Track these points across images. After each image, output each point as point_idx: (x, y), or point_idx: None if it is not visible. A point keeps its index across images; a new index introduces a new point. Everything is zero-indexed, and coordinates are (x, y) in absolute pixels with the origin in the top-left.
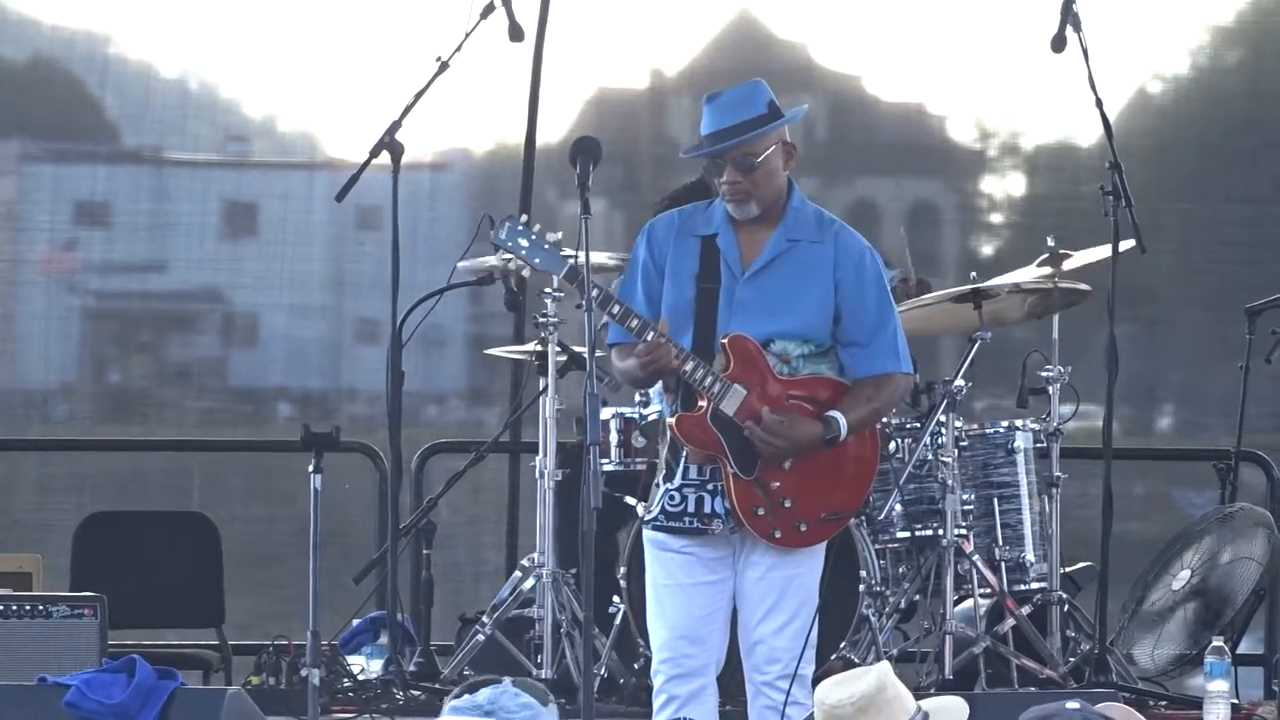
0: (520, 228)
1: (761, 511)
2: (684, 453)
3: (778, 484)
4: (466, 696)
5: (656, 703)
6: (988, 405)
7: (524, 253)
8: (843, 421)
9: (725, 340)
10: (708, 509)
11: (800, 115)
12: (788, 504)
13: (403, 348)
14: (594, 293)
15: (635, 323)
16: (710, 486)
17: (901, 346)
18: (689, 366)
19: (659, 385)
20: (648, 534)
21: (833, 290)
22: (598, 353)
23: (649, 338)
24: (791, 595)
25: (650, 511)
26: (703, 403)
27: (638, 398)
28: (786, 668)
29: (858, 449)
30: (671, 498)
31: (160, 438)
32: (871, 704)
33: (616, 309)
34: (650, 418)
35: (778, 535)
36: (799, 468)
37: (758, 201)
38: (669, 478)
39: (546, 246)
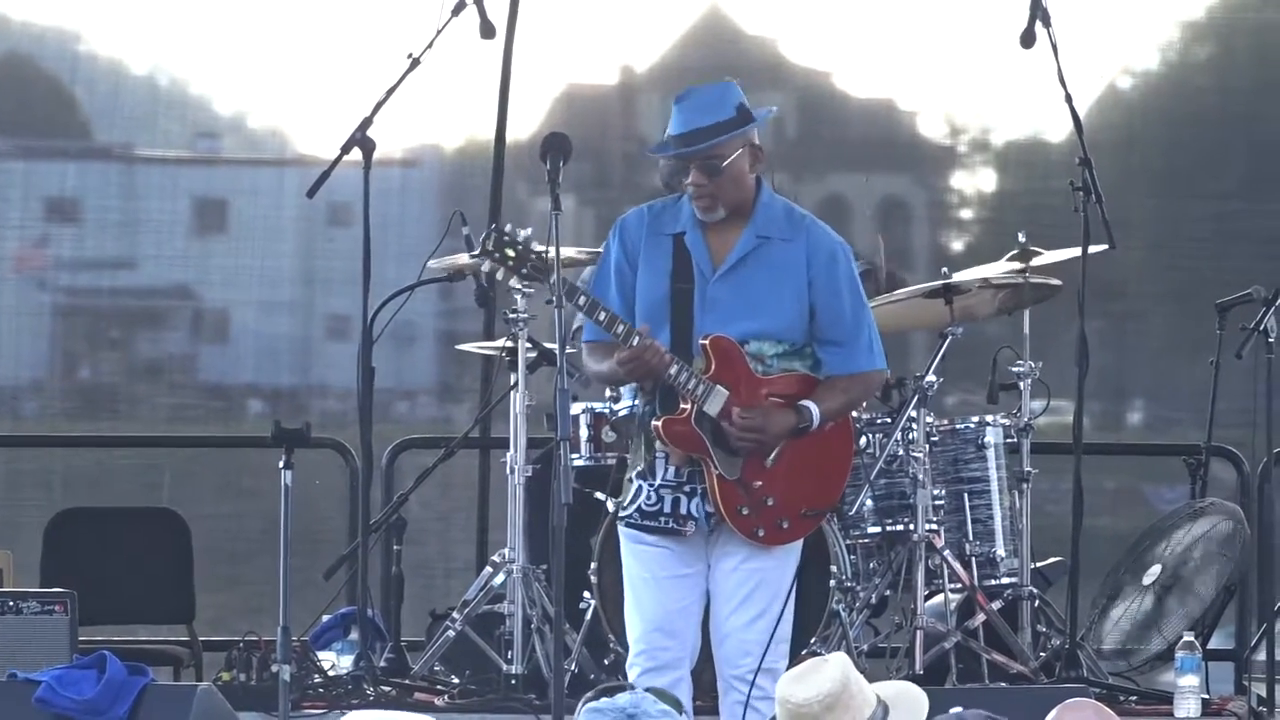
0: (508, 239)
1: (746, 511)
2: (660, 454)
3: (760, 483)
4: (605, 700)
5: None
6: (959, 400)
7: (510, 262)
8: (815, 410)
9: (706, 341)
10: (683, 510)
11: (768, 117)
12: (770, 502)
13: (373, 344)
14: (562, 286)
15: (603, 315)
16: (687, 488)
17: (876, 343)
18: (673, 370)
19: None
20: (622, 529)
21: (806, 288)
22: (568, 349)
23: (633, 341)
24: (764, 588)
25: (625, 508)
26: (685, 405)
27: (608, 393)
28: (758, 660)
29: (834, 445)
30: (649, 497)
31: (130, 434)
32: (838, 702)
33: (582, 300)
34: (621, 413)
35: (761, 534)
36: (780, 466)
37: (724, 204)
38: (645, 476)
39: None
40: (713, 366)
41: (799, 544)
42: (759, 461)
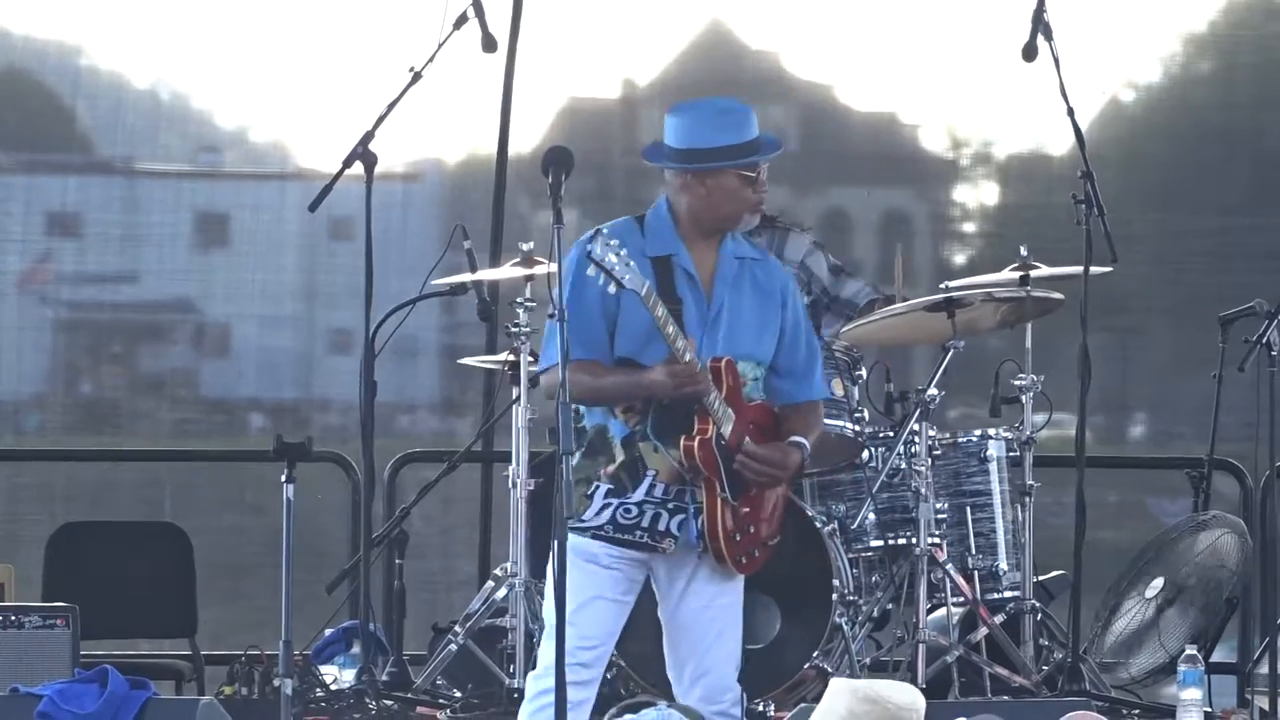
0: (611, 243)
1: (739, 537)
2: (649, 472)
3: (747, 510)
4: (629, 716)
5: (534, 703)
6: (961, 414)
7: (614, 268)
8: (808, 448)
9: (720, 363)
10: (662, 527)
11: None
12: (752, 530)
13: (375, 358)
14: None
15: (672, 329)
16: (671, 506)
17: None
18: (708, 379)
19: None
20: (578, 540)
21: (780, 311)
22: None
23: (686, 358)
24: (735, 621)
25: (584, 520)
26: (704, 425)
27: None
28: (734, 692)
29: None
30: (627, 511)
31: (132, 448)
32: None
33: (672, 329)
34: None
35: (743, 561)
36: (755, 494)
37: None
38: (620, 494)
39: (631, 264)
40: (725, 388)
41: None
42: (748, 489)
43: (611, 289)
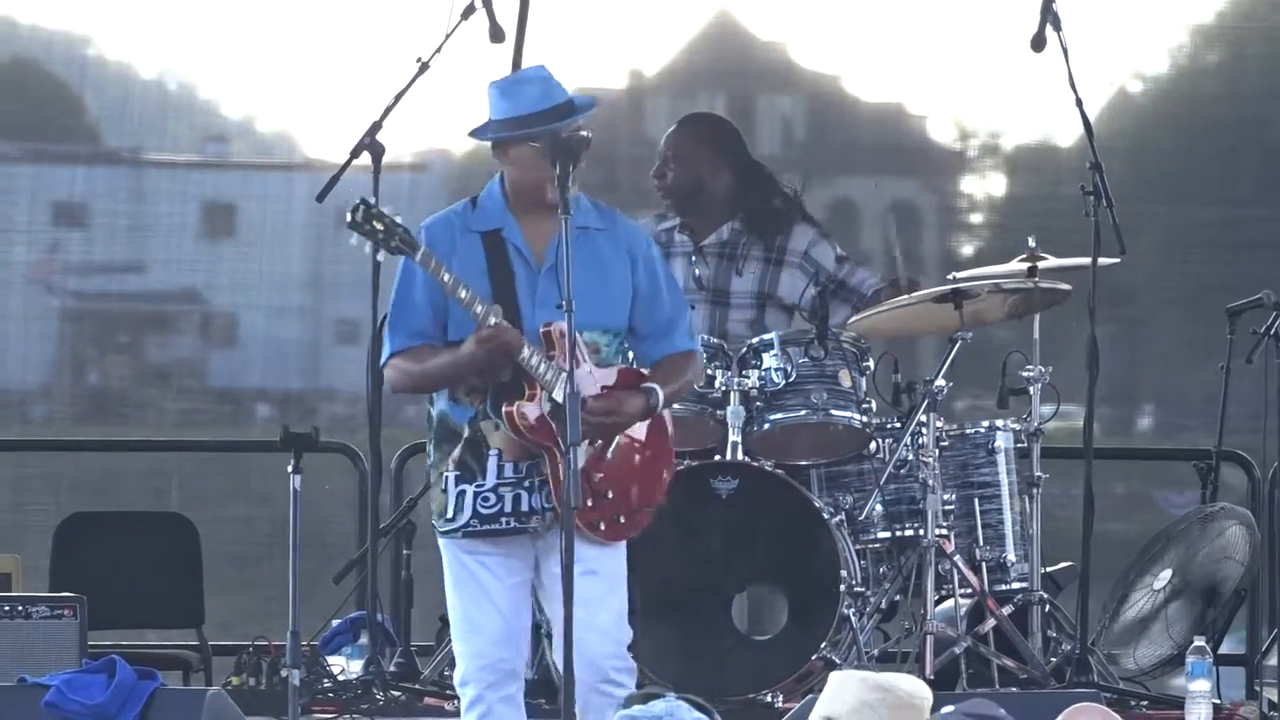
0: (375, 211)
1: (589, 502)
2: (492, 451)
3: (600, 475)
4: (638, 706)
5: (470, 714)
6: (968, 405)
7: (380, 238)
8: (659, 391)
9: (549, 328)
10: (525, 506)
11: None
12: (610, 495)
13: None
14: (457, 289)
15: (464, 293)
16: (528, 483)
17: (692, 329)
18: (525, 352)
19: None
20: (451, 542)
21: (630, 276)
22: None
23: (490, 320)
24: (615, 587)
25: (452, 520)
26: (532, 391)
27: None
28: (623, 660)
29: (663, 438)
30: (485, 500)
31: (139, 438)
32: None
33: (447, 277)
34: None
35: (602, 527)
36: (616, 459)
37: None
38: (469, 479)
39: (402, 229)
40: (555, 353)
41: (624, 543)
42: (599, 454)
43: (380, 256)
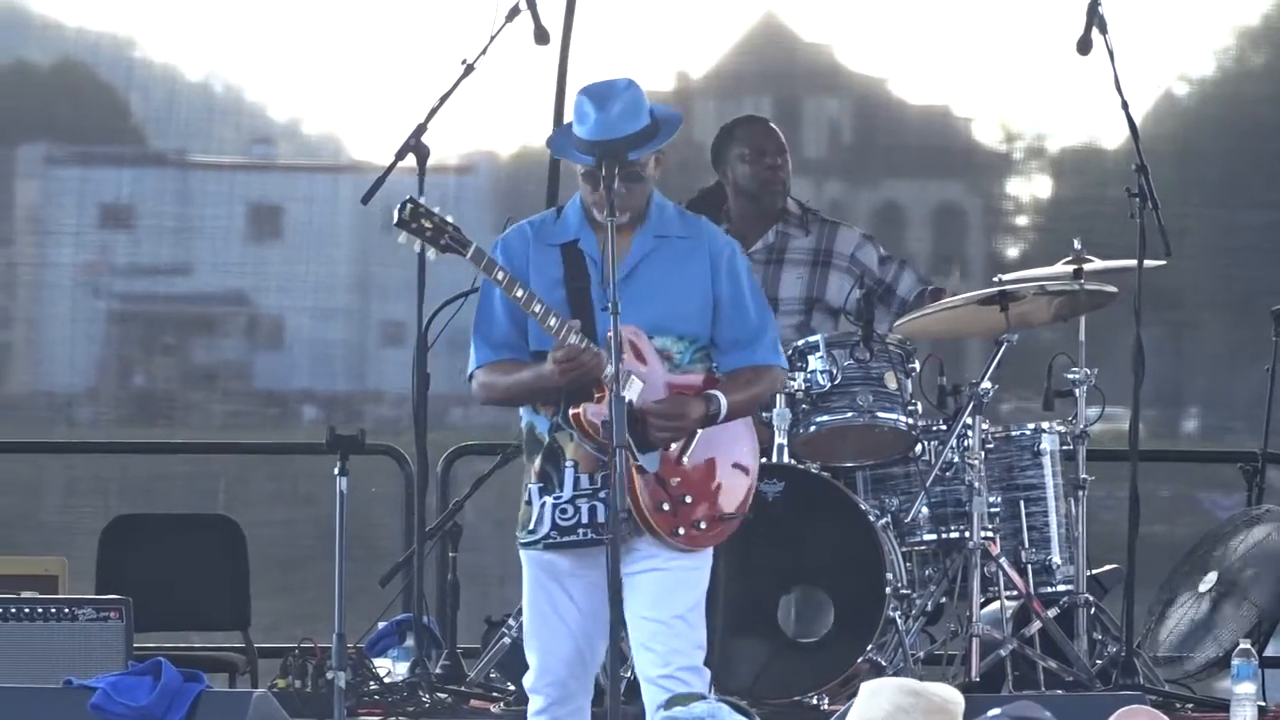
0: (423, 210)
1: (666, 506)
2: (568, 463)
3: (678, 480)
4: (679, 708)
5: None
6: (1014, 407)
7: (429, 235)
8: (722, 399)
9: (623, 332)
10: (601, 518)
11: (679, 123)
12: (688, 500)
13: (428, 350)
14: (513, 289)
15: (539, 307)
16: (603, 494)
17: (778, 342)
18: (593, 349)
19: None
20: (532, 555)
21: (710, 285)
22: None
23: (570, 339)
24: (689, 588)
25: (533, 532)
26: (600, 394)
27: None
28: (688, 658)
29: (746, 445)
30: (563, 511)
31: (185, 440)
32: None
33: (520, 293)
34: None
35: (680, 533)
36: (695, 466)
37: (633, 212)
38: (549, 490)
39: (450, 229)
40: (625, 356)
41: (711, 552)
42: (675, 458)
43: (431, 255)
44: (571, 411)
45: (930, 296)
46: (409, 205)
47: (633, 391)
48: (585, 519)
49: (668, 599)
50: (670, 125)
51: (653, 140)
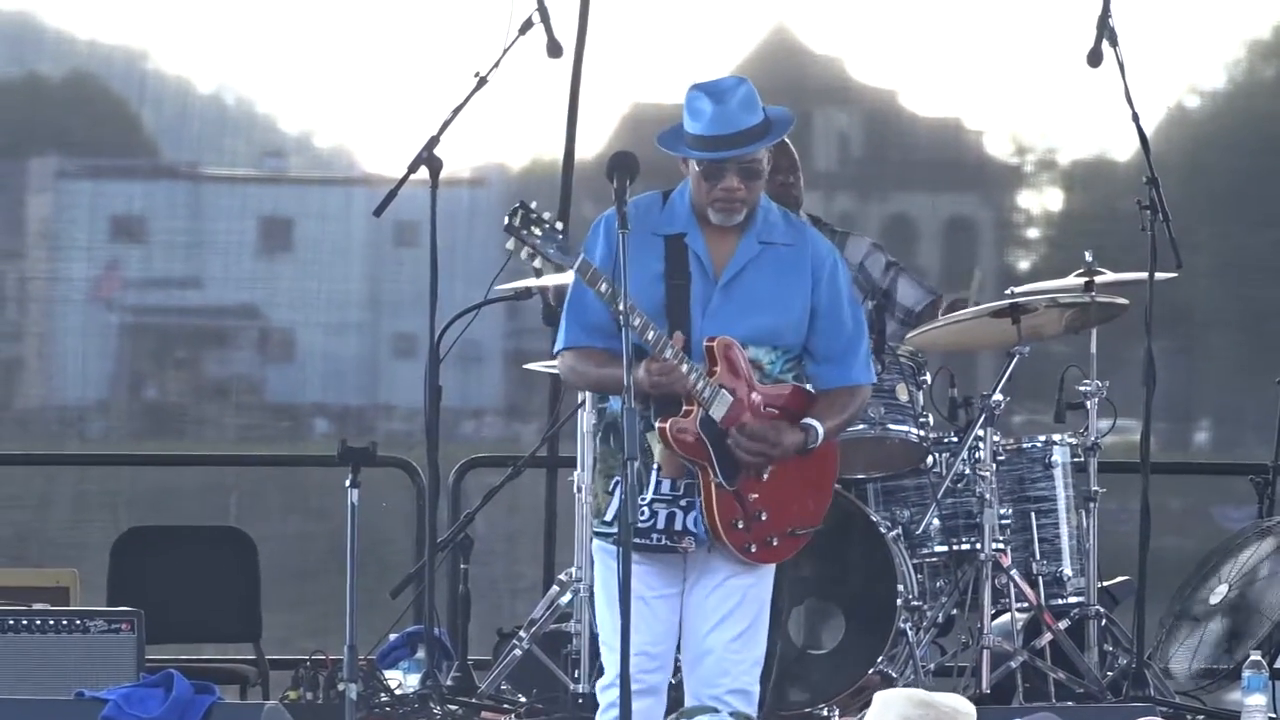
0: (534, 216)
1: (740, 524)
2: (654, 465)
3: (755, 496)
4: None
5: (606, 717)
6: (1025, 420)
7: (538, 243)
8: (820, 430)
9: (712, 342)
10: (679, 526)
11: (792, 122)
12: (764, 517)
13: (440, 363)
14: (616, 300)
15: (653, 334)
16: (684, 502)
17: (870, 357)
18: (683, 369)
19: None
20: (605, 545)
21: (810, 294)
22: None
23: (666, 353)
24: (748, 606)
25: (610, 525)
26: (690, 407)
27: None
28: (736, 680)
29: (824, 462)
30: (641, 513)
31: (197, 453)
32: None
33: (638, 321)
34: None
35: (753, 550)
36: (773, 480)
37: (749, 209)
38: (637, 489)
39: (559, 238)
40: (717, 369)
41: (773, 566)
42: (755, 475)
43: (537, 263)
44: (659, 425)
45: (951, 306)
46: (520, 210)
47: (721, 407)
48: (661, 524)
49: (727, 621)
50: (783, 123)
51: (766, 137)
